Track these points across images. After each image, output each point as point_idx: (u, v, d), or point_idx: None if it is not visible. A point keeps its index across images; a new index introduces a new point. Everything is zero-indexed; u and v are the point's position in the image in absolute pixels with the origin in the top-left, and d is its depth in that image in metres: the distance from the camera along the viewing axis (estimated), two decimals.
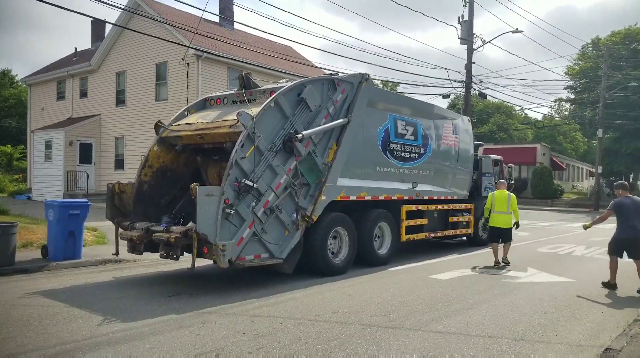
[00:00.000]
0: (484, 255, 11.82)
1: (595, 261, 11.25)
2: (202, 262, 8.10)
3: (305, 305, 6.47)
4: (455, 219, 12.49)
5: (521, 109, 73.19)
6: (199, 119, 8.73)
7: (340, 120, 8.97)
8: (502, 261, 10.19)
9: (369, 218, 9.75)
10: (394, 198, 10.37)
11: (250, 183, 7.22)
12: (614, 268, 8.03)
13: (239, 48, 21.52)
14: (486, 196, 13.80)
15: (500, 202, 10.40)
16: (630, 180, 44.38)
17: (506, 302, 6.94)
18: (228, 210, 6.96)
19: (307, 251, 8.40)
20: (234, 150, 7.17)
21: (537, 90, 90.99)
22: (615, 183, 8.57)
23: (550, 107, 64.01)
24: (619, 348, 4.51)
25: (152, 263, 9.65)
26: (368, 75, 9.65)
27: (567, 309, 6.61)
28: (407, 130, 10.84)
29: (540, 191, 36.52)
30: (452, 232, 12.40)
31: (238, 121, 7.41)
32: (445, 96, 23.88)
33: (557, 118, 63.09)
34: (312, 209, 8.34)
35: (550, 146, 57.48)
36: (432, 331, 5.40)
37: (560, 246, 13.64)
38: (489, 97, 66.99)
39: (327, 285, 7.83)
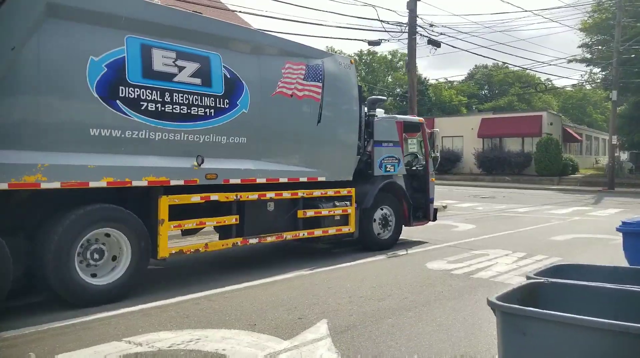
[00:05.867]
0: (356, 270, 7.12)
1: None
2: None
3: None
4: (312, 213, 7.89)
5: (548, 79, 65.98)
6: None
7: None
8: None
9: (62, 224, 5.29)
10: (140, 183, 5.88)
11: None
12: None
13: None
14: (386, 176, 9.24)
15: None
16: None
17: None
18: None
19: None
20: None
21: (545, 47, 78.77)
22: None
23: (581, 76, 55.75)
24: None
25: None
26: None
27: None
28: (182, 67, 6.27)
29: (544, 166, 30.78)
30: (305, 233, 7.81)
31: None
32: (372, 43, 18.07)
33: (588, 87, 55.65)
34: None
35: (578, 117, 50.47)
36: None
37: (480, 256, 8.26)
38: (509, 67, 59.09)
39: None
